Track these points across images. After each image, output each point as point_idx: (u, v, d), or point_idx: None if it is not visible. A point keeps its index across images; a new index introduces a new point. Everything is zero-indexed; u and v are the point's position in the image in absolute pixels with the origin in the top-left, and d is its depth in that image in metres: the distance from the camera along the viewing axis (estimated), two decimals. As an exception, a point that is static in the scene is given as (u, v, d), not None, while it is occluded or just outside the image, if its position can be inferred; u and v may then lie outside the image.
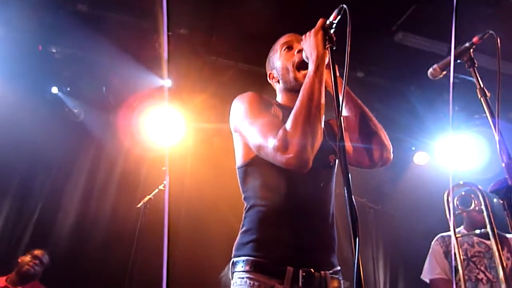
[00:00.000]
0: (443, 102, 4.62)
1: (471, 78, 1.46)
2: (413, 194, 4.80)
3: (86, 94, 4.34)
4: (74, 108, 4.44)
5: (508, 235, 2.54)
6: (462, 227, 2.67)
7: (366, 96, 4.66)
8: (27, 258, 3.58)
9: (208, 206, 4.41)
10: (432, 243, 2.77)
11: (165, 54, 3.80)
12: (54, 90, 4.29)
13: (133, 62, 3.89)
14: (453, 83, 1.47)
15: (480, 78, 1.50)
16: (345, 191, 1.02)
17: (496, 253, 1.69)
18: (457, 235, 2.20)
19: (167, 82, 4.17)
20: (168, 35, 3.66)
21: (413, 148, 5.25)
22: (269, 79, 1.76)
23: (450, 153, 4.56)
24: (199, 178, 4.52)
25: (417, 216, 4.59)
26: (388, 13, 3.67)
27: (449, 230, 2.16)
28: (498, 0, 3.47)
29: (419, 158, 5.15)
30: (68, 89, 4.30)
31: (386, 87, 4.50)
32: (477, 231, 2.15)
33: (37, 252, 3.63)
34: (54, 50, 4.01)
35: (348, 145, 1.62)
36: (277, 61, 1.69)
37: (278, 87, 1.73)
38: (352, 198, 0.99)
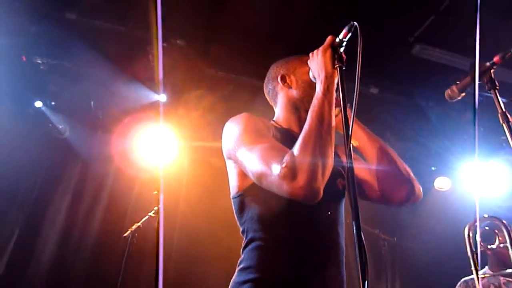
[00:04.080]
0: (466, 121, 4.63)
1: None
2: (434, 223, 4.76)
3: (73, 109, 4.38)
4: (59, 124, 4.47)
5: None
6: (486, 267, 2.66)
7: (380, 113, 4.72)
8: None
9: (205, 234, 4.38)
10: None
11: (160, 67, 3.85)
12: (38, 104, 4.34)
13: (124, 75, 3.94)
14: (477, 101, 1.47)
15: (503, 102, 1.51)
16: (354, 227, 1.02)
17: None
18: (482, 276, 2.17)
19: (162, 97, 4.21)
20: (162, 46, 3.71)
21: (433, 168, 5.24)
22: (281, 81, 1.69)
23: (475, 178, 4.53)
24: (195, 202, 4.51)
25: (439, 249, 4.54)
26: (404, 24, 3.71)
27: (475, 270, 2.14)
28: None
29: (441, 183, 5.13)
30: (53, 103, 4.34)
31: (403, 104, 4.52)
32: (509, 270, 2.12)
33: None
34: (39, 61, 4.07)
35: (372, 180, 1.65)
36: (303, 74, 1.64)
37: (284, 98, 1.69)
38: (361, 236, 0.99)
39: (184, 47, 3.92)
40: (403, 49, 3.88)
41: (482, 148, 4.46)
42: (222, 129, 1.59)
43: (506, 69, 3.87)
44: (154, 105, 4.16)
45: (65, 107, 4.36)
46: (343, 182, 1.56)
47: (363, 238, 1.00)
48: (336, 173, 1.53)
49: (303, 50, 1.70)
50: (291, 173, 1.23)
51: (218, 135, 1.62)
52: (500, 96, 1.54)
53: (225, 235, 4.06)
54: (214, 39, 3.92)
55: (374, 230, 3.89)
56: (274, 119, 1.73)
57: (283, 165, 1.25)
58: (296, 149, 1.28)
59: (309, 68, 1.56)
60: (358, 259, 0.97)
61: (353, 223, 1.01)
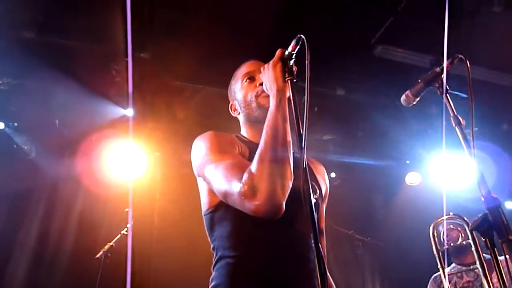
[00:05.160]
0: (432, 117, 4.76)
1: (457, 93, 1.52)
2: (406, 219, 4.85)
3: (37, 129, 4.28)
4: (23, 145, 4.36)
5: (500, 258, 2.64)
6: (454, 264, 2.77)
7: (349, 114, 4.78)
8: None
9: (181, 247, 4.34)
10: (428, 285, 2.87)
11: (129, 81, 3.80)
12: (0, 125, 4.22)
13: (88, 91, 3.87)
14: (445, 96, 1.50)
15: (462, 98, 1.56)
16: (312, 239, 1.03)
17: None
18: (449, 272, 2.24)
19: (129, 112, 4.16)
20: (126, 61, 3.67)
21: (408, 162, 5.36)
22: (231, 110, 1.77)
23: (443, 172, 4.65)
24: (170, 215, 4.46)
25: (413, 244, 4.62)
26: (365, 26, 3.79)
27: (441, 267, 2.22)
28: (479, 8, 3.64)
29: (411, 179, 5.25)
30: (16, 124, 4.24)
31: (369, 104, 4.60)
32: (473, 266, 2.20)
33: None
34: (-1, 82, 3.98)
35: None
36: (239, 92, 1.71)
37: (241, 119, 1.75)
38: (319, 248, 1.00)
39: (149, 60, 3.89)
40: (366, 51, 3.96)
41: (449, 141, 4.58)
42: (192, 139, 1.62)
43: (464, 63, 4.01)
44: (122, 121, 4.10)
45: (29, 127, 4.25)
46: (314, 195, 1.57)
47: (321, 250, 1.01)
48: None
49: (266, 58, 1.72)
50: (250, 191, 1.25)
51: (189, 146, 1.63)
52: (460, 91, 1.59)
53: (202, 247, 4.02)
54: (179, 50, 3.90)
55: (348, 231, 3.94)
56: (240, 132, 1.75)
57: (243, 183, 1.27)
58: (253, 166, 1.29)
59: (245, 82, 1.68)
60: (317, 271, 0.98)
61: (311, 235, 1.03)
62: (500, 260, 1.15)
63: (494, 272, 2.50)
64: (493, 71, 4.24)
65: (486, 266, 1.92)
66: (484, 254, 2.05)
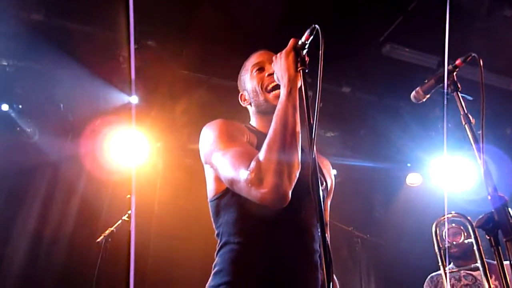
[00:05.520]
0: (435, 118, 4.76)
1: (464, 95, 1.52)
2: (406, 219, 4.87)
3: (41, 112, 4.27)
4: (27, 128, 4.36)
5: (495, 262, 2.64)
6: (452, 264, 2.78)
7: (353, 112, 4.78)
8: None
9: (180, 235, 4.36)
10: (424, 285, 2.88)
11: (132, 68, 3.80)
12: (5, 107, 4.21)
13: (95, 76, 3.87)
14: (446, 98, 1.51)
15: (468, 100, 1.56)
16: (319, 229, 1.03)
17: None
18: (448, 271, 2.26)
19: (133, 99, 4.16)
20: (134, 47, 3.66)
21: (409, 165, 5.36)
22: (241, 100, 1.78)
23: (444, 173, 4.66)
24: (170, 205, 4.47)
25: (411, 244, 4.64)
26: (374, 24, 3.78)
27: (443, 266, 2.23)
28: (489, 12, 3.63)
29: (412, 179, 5.26)
30: (21, 106, 4.23)
31: (374, 103, 4.60)
32: (473, 265, 2.21)
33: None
34: (4, 63, 3.97)
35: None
36: (248, 82, 1.71)
37: (251, 110, 1.76)
38: (325, 237, 1.00)
39: (156, 48, 3.88)
40: (374, 49, 3.95)
41: (451, 144, 4.59)
42: (195, 129, 1.63)
43: (471, 66, 4.01)
44: (126, 107, 4.10)
45: (33, 110, 4.25)
46: (321, 187, 1.56)
47: (327, 240, 1.02)
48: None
49: (273, 51, 1.71)
50: (257, 179, 1.25)
51: (192, 137, 1.63)
52: (466, 93, 1.59)
53: (201, 236, 4.05)
54: (186, 40, 3.90)
55: (348, 227, 3.95)
56: (249, 122, 1.76)
57: (250, 171, 1.27)
58: (261, 154, 1.29)
59: (254, 72, 1.68)
60: (323, 260, 0.98)
61: (318, 224, 1.03)
62: (505, 265, 1.16)
63: (494, 276, 2.52)
64: (499, 76, 4.24)
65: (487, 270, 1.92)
66: (487, 260, 2.06)
